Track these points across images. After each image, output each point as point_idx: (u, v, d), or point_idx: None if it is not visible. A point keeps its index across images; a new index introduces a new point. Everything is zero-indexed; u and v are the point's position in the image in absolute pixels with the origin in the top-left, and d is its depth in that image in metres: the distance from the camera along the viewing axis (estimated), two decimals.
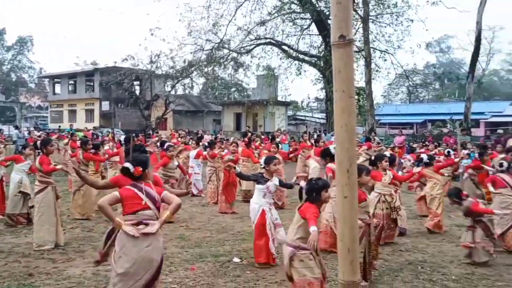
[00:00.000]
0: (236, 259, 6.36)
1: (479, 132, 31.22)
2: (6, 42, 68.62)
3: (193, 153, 12.71)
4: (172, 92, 39.31)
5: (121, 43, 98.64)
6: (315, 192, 4.40)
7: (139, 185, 4.02)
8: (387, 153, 8.99)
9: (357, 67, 29.46)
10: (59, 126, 33.38)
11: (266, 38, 29.68)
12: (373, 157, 7.85)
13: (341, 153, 1.79)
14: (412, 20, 27.14)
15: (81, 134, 21.93)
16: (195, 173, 12.43)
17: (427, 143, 17.67)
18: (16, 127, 27.86)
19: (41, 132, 24.76)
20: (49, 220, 6.88)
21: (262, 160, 6.76)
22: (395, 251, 6.90)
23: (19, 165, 8.72)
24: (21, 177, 8.48)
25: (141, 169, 4.08)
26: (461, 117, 26.65)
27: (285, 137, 22.85)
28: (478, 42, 25.96)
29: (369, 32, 26.12)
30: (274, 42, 30.02)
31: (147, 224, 3.85)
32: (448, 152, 12.02)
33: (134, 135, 10.57)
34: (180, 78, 34.20)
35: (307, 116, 49.38)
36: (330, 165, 7.03)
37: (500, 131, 24.04)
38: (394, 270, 5.98)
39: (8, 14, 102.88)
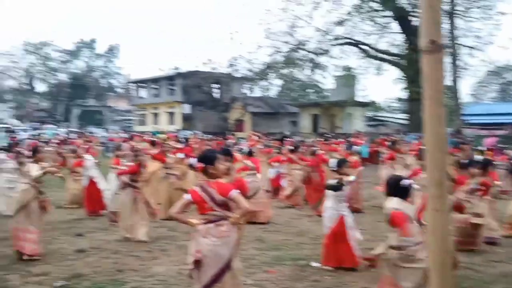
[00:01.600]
0: (315, 264, 6.30)
1: None
2: (96, 50, 73.60)
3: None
4: (250, 94, 39.92)
5: (201, 47, 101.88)
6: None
7: (204, 186, 3.98)
8: (480, 157, 8.48)
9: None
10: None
11: (344, 38, 29.20)
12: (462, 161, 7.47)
13: (432, 164, 1.70)
14: (504, 14, 25.44)
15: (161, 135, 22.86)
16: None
17: None
18: (105, 130, 29.73)
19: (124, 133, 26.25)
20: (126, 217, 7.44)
21: (332, 163, 6.62)
22: (487, 262, 6.47)
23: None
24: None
25: (203, 165, 4.05)
26: None
27: (363, 139, 22.31)
28: None
29: (456, 27, 24.82)
30: (353, 41, 29.43)
31: (218, 224, 3.90)
32: None
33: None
34: (258, 81, 34.61)
35: (388, 117, 47.88)
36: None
37: None
38: (486, 282, 5.60)
39: (97, 24, 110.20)
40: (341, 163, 6.33)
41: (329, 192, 6.21)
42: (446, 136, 1.70)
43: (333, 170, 6.39)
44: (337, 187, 6.07)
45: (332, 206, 6.13)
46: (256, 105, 41.53)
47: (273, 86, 39.88)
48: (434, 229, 1.66)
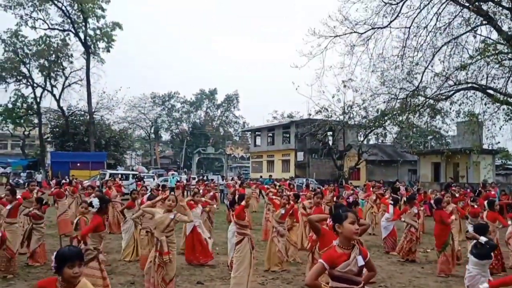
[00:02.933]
0: None
1: None
2: (217, 101, 78.31)
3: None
4: (365, 142, 39.12)
5: (314, 96, 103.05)
6: None
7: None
8: None
9: None
10: (260, 176, 35.87)
11: (467, 83, 27.48)
12: None
13: None
14: None
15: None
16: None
17: None
18: (222, 177, 30.86)
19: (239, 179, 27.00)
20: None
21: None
22: None
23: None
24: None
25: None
26: None
27: (494, 191, 20.42)
28: None
29: None
30: (477, 86, 27.57)
31: None
32: None
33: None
34: (373, 128, 33.83)
35: None
36: None
37: None
38: None
39: (218, 74, 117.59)
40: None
41: (471, 258, 5.74)
42: None
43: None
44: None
45: (475, 272, 5.62)
46: (372, 153, 40.51)
47: (390, 134, 38.70)
48: None
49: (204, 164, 64.04)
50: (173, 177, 34.70)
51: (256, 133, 57.00)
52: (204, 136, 71.97)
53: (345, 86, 31.32)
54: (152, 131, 76.77)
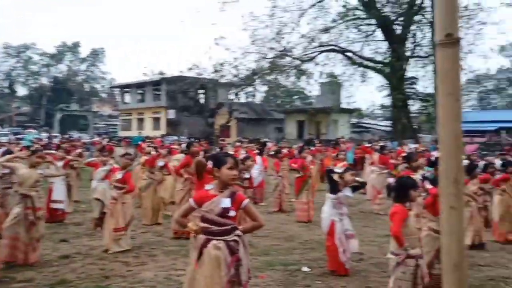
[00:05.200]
0: (305, 269, 6.26)
1: None
2: (80, 54, 72.84)
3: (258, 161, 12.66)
4: (236, 100, 39.86)
5: (186, 52, 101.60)
6: (403, 190, 4.40)
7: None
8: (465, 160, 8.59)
9: (425, 73, 28.50)
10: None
11: (329, 45, 29.39)
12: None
13: (448, 161, 1.66)
14: (484, 23, 25.84)
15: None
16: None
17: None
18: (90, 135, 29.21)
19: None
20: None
21: (339, 169, 6.58)
22: (473, 266, 6.49)
23: (96, 172, 9.01)
24: (96, 183, 8.68)
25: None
26: None
27: (349, 145, 22.39)
28: None
29: None
30: (338, 48, 29.66)
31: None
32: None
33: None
34: (244, 87, 34.56)
35: (372, 124, 48.32)
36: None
37: None
38: (474, 286, 5.62)
39: (82, 27, 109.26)
40: (345, 170, 6.33)
41: (327, 196, 6.17)
42: (462, 133, 1.66)
43: (340, 177, 6.25)
44: (331, 189, 6.07)
45: (325, 211, 6.10)
46: (242, 111, 41.50)
47: (259, 93, 39.96)
48: (450, 227, 1.62)
49: (68, 122, 59.86)
50: (29, 135, 31.84)
51: (125, 90, 54.56)
52: (68, 92, 66.70)
53: (216, 44, 31.26)
54: (5, 85, 69.25)
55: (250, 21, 29.00)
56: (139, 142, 20.57)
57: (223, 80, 34.61)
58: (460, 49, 1.59)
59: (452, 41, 1.54)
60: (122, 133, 47.54)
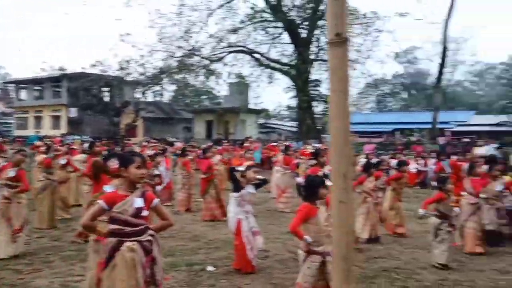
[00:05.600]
0: (210, 268, 6.24)
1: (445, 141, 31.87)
2: None
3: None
4: (143, 99, 38.81)
5: (90, 48, 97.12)
6: (312, 189, 4.48)
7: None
8: (363, 159, 9.10)
9: (326, 78, 29.83)
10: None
11: (237, 46, 29.72)
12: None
13: (337, 156, 1.72)
14: (381, 31, 27.67)
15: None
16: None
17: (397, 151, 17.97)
18: None
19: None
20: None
21: (241, 167, 6.63)
22: (369, 258, 6.90)
23: None
24: None
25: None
26: (428, 126, 27.25)
27: (256, 145, 22.83)
28: (444, 53, 26.75)
29: None
30: (246, 49, 30.09)
31: None
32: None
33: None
34: (151, 85, 33.76)
35: (278, 124, 49.60)
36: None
37: (466, 139, 24.70)
38: (369, 277, 5.96)
39: None
40: (247, 167, 6.37)
41: (230, 195, 6.19)
42: (350, 129, 1.73)
43: (242, 175, 6.28)
44: (234, 188, 6.10)
45: (230, 210, 6.12)
46: (149, 110, 40.50)
47: (167, 92, 39.24)
48: (339, 221, 1.68)
49: None
50: None
51: (21, 86, 50.69)
52: None
53: (122, 40, 30.21)
54: None
55: (157, 18, 28.46)
56: (35, 142, 19.28)
57: (129, 78, 33.58)
58: (350, 48, 1.66)
59: (341, 40, 1.61)
60: (18, 132, 44.19)
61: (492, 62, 60.97)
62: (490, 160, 8.53)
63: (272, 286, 5.64)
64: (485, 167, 7.94)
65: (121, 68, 32.39)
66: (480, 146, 17.58)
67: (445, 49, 26.84)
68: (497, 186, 7.58)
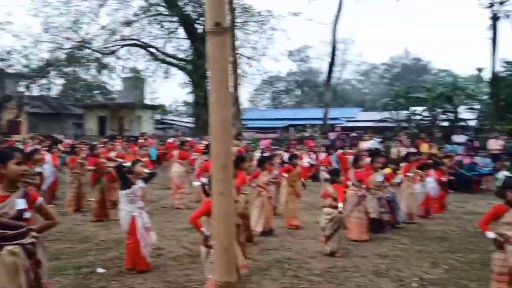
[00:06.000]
0: (100, 270, 5.97)
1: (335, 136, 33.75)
2: None
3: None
4: (27, 93, 35.98)
5: None
6: None
7: None
8: (259, 154, 9.28)
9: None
10: None
11: (131, 39, 28.75)
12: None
13: (217, 147, 1.70)
14: (275, 29, 28.42)
15: None
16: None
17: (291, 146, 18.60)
18: None
19: None
20: None
21: (128, 163, 6.44)
22: (263, 250, 7.07)
23: None
24: None
25: None
26: (320, 122, 28.65)
27: (151, 141, 22.27)
28: (333, 53, 28.27)
29: (236, 38, 26.74)
30: (140, 43, 29.22)
31: None
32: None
33: None
34: (36, 78, 31.43)
35: (176, 120, 48.93)
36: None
37: (353, 134, 26.34)
38: (262, 269, 6.11)
39: None
40: (133, 162, 6.20)
41: (120, 193, 5.98)
42: (230, 120, 1.72)
43: (130, 170, 6.08)
44: (123, 186, 5.91)
45: (123, 208, 5.91)
46: (35, 105, 37.63)
47: (55, 85, 36.76)
48: (219, 212, 1.66)
49: None
50: None
51: None
52: None
53: (2, 29, 27.70)
54: None
55: (42, 7, 26.50)
56: None
57: (11, 70, 31.01)
58: (230, 37, 1.66)
59: (220, 30, 1.60)
60: None
61: (375, 62, 65.91)
62: (372, 153, 9.20)
63: (166, 283, 5.54)
64: (368, 160, 8.54)
65: (2, 59, 29.84)
66: (366, 140, 18.80)
67: (334, 49, 28.35)
68: (378, 177, 8.19)
